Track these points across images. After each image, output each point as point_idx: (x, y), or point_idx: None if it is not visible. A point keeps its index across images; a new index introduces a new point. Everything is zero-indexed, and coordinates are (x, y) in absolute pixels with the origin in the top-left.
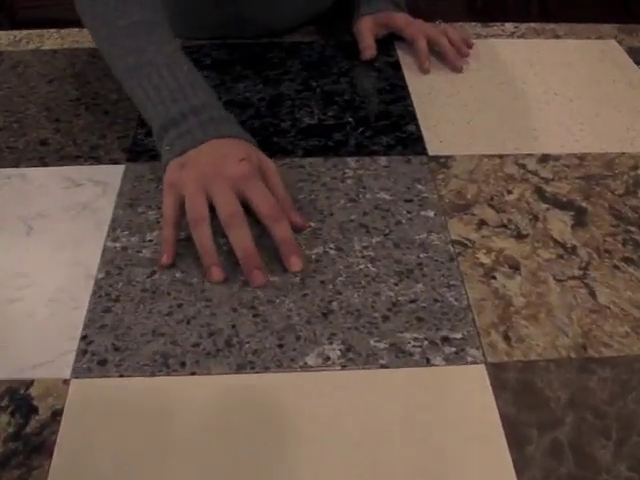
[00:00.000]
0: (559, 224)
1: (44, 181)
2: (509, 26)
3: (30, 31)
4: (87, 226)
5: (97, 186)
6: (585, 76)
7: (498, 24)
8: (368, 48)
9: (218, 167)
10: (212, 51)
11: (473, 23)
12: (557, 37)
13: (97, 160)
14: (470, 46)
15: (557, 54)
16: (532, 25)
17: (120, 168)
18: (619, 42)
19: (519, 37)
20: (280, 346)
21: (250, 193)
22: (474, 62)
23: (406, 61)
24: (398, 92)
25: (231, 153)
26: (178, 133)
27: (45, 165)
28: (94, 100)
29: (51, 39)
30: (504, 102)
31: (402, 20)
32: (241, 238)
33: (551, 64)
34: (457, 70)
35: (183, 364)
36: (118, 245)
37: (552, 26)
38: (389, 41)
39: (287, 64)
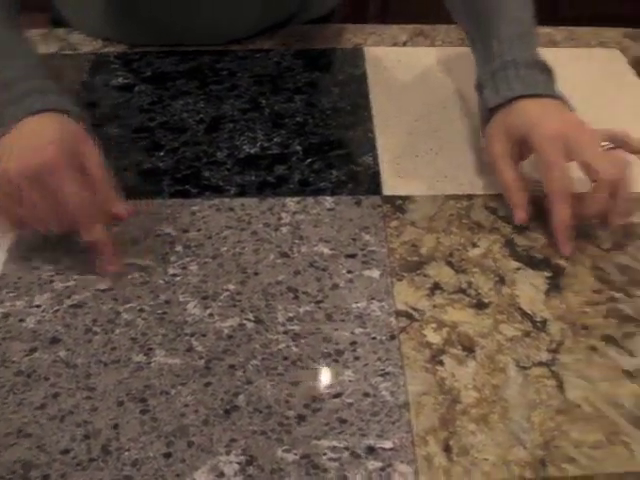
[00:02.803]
0: (529, 290)
1: None
2: None
3: None
4: None
5: None
6: (581, 94)
7: None
8: (517, 206)
9: (22, 160)
10: (156, 60)
11: (453, 25)
12: (554, 44)
13: None
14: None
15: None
16: None
17: None
18: (623, 50)
19: None
20: (167, 455)
21: (58, 191)
22: (454, 75)
23: (374, 73)
24: (359, 114)
25: (38, 137)
26: None
27: None
28: None
29: None
30: None
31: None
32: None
33: None
34: (561, 253)
35: (46, 477)
36: None
37: (548, 30)
38: (358, 49)
39: (236, 77)
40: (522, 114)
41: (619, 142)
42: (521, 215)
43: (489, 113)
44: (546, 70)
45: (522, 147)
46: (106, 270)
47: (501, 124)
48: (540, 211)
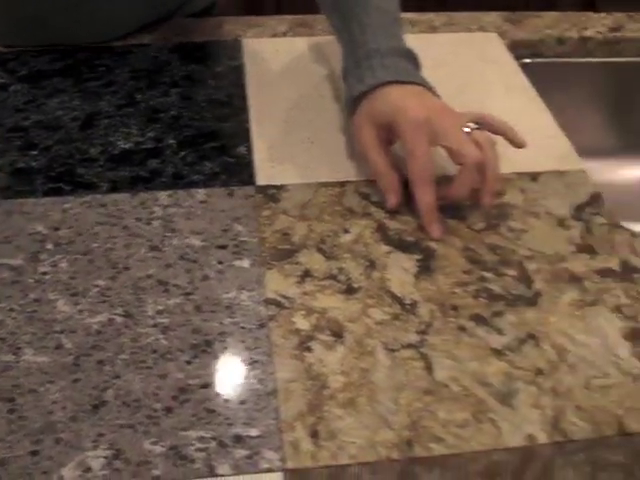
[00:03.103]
0: (400, 273)
1: None
2: None
3: None
4: None
5: None
6: (458, 79)
7: None
8: (388, 191)
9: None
10: (32, 59)
11: None
12: (434, 29)
13: None
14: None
15: (429, 51)
16: (407, 15)
17: None
18: (502, 34)
19: None
20: (34, 453)
21: None
22: (332, 63)
23: (252, 64)
24: (235, 105)
25: None
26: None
27: None
28: None
29: None
30: None
31: (412, 125)
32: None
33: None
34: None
35: None
36: None
37: (429, 16)
38: (237, 41)
39: (114, 73)
40: (386, 100)
41: (484, 123)
42: (392, 199)
43: (355, 102)
44: (411, 58)
45: (389, 133)
46: None
47: (367, 111)
48: (410, 200)
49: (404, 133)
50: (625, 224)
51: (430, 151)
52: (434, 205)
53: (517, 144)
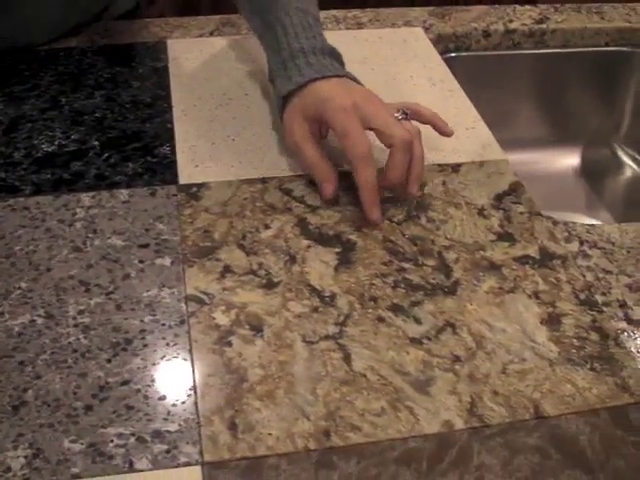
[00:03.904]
0: (319, 266)
1: None
2: None
3: None
4: None
5: None
6: (380, 73)
7: None
8: (323, 180)
9: None
10: None
11: None
12: (360, 25)
13: None
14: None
15: (354, 47)
16: (333, 12)
17: None
18: (427, 28)
19: None
20: None
21: None
22: (257, 62)
23: (176, 65)
24: (159, 106)
25: None
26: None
27: None
28: None
29: None
30: None
31: (341, 114)
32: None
33: (346, 61)
34: (368, 219)
35: None
36: None
37: (355, 12)
38: (162, 42)
39: (38, 76)
40: (313, 93)
41: (412, 112)
42: (329, 188)
43: (284, 100)
44: (334, 55)
45: (319, 125)
46: None
47: (295, 107)
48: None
49: (334, 120)
50: (560, 214)
51: (363, 129)
52: (375, 183)
53: (445, 132)
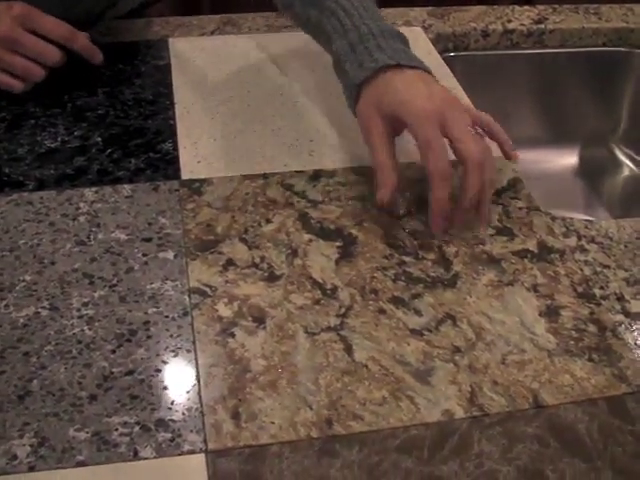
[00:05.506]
0: (321, 260)
1: None
2: None
3: None
4: None
5: None
6: None
7: None
8: (382, 185)
9: None
10: None
11: (266, 13)
12: None
13: None
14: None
15: None
16: None
17: None
18: (427, 28)
19: None
20: None
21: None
22: (257, 60)
23: (178, 63)
24: (161, 103)
25: None
26: None
27: None
28: None
29: None
30: (282, 110)
31: (420, 117)
32: None
33: None
34: (432, 230)
35: None
36: None
37: None
38: (164, 41)
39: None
40: (390, 91)
41: (483, 123)
42: (386, 196)
43: (357, 89)
44: (402, 39)
45: (395, 123)
46: None
47: (371, 101)
48: (333, 189)
49: (415, 127)
50: (558, 212)
51: (444, 142)
52: (446, 201)
53: (509, 156)
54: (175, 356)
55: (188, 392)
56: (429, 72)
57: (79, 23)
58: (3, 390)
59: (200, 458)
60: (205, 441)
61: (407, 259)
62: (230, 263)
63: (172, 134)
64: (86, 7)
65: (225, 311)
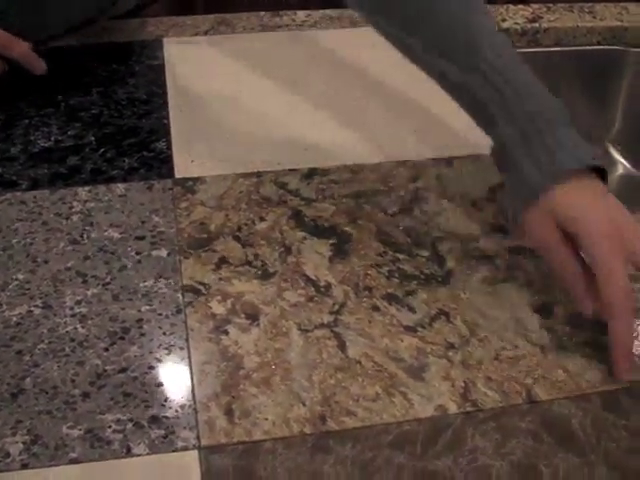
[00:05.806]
0: (315, 257)
1: None
2: (301, 14)
3: None
4: None
5: None
6: (376, 73)
7: (290, 13)
8: (584, 298)
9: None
10: None
11: (261, 13)
12: (354, 25)
13: None
14: None
15: (351, 47)
16: (327, 12)
17: None
18: None
19: (311, 27)
20: None
21: None
22: (251, 60)
23: (172, 63)
24: (155, 102)
25: None
26: None
27: None
28: None
29: None
30: (277, 109)
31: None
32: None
33: (340, 60)
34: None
35: None
36: None
37: (350, 11)
38: (158, 41)
39: (35, 75)
40: (567, 204)
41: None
42: (591, 308)
43: (534, 194)
44: (567, 116)
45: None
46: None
47: (547, 210)
48: (327, 187)
49: (593, 248)
50: None
51: (626, 270)
52: (631, 342)
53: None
54: (168, 353)
55: (181, 389)
56: (603, 177)
57: (78, 23)
58: None
59: (193, 454)
60: (198, 437)
61: (401, 256)
62: (223, 261)
63: (166, 133)
64: (85, 5)
65: (218, 308)
